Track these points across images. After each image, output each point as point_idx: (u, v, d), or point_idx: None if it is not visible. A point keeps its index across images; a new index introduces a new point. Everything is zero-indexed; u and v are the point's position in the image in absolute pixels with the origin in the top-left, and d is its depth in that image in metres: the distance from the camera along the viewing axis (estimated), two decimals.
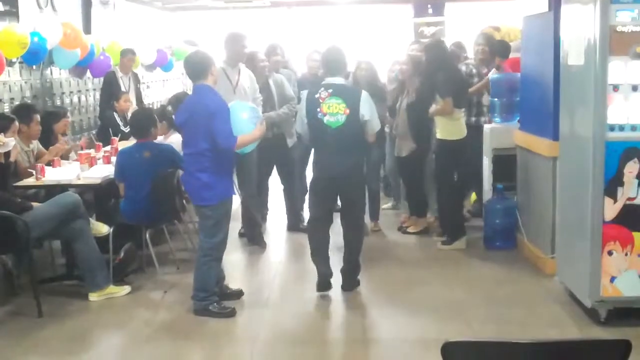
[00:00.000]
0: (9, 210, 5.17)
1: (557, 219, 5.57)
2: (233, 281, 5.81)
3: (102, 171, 6.26)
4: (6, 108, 7.40)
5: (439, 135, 6.65)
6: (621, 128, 4.58)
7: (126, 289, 5.70)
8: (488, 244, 6.70)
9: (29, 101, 7.78)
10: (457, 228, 6.77)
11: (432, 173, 7.47)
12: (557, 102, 5.39)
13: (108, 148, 7.19)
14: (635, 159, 4.58)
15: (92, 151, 6.96)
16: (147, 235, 5.92)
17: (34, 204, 5.50)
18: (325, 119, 5.31)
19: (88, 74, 9.50)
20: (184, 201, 6.54)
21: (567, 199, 5.23)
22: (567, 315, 4.99)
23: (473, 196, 7.85)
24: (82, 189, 6.13)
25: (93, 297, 5.51)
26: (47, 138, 6.94)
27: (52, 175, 6.11)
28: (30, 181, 6.02)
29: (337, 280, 5.64)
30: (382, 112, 7.10)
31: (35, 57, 7.60)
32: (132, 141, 6.47)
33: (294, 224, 7.48)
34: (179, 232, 6.81)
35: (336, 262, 5.72)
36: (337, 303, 5.48)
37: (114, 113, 8.51)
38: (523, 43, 6.67)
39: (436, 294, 5.61)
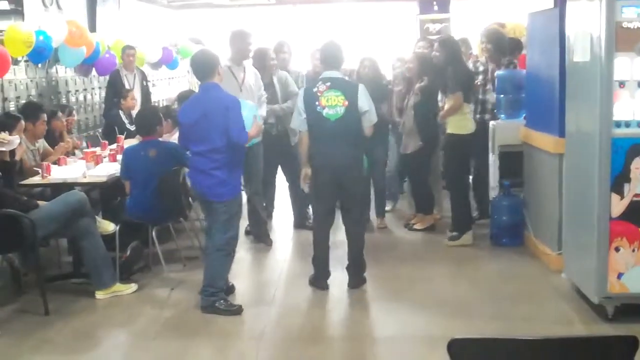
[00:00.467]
0: (15, 208, 5.18)
1: (563, 215, 5.56)
2: (239, 279, 5.83)
3: (108, 169, 6.27)
4: (12, 107, 7.42)
5: (449, 130, 6.66)
6: (627, 124, 4.56)
7: (132, 287, 5.70)
8: (495, 241, 6.69)
9: (35, 100, 7.80)
10: (464, 222, 6.77)
11: (438, 170, 7.49)
12: (562, 98, 5.38)
13: (114, 146, 7.20)
14: None
15: (97, 149, 6.97)
16: (154, 233, 5.92)
17: (40, 202, 5.51)
18: (325, 112, 5.35)
19: (93, 72, 9.53)
20: (190, 199, 6.54)
21: (574, 195, 5.22)
22: (574, 311, 4.98)
23: None
24: (88, 187, 6.14)
25: (99, 295, 5.52)
26: (51, 135, 6.95)
27: (58, 173, 6.13)
28: (36, 179, 6.03)
29: (343, 277, 5.64)
30: (385, 109, 7.11)
31: (41, 55, 7.62)
32: (138, 139, 6.47)
33: (300, 222, 7.48)
34: (185, 230, 6.82)
35: (341, 260, 5.72)
36: (343, 300, 5.49)
37: (120, 111, 8.51)
38: (528, 40, 6.65)
39: (442, 290, 5.61)
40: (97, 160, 6.47)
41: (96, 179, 6.08)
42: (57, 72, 8.75)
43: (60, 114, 7.36)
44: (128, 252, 6.00)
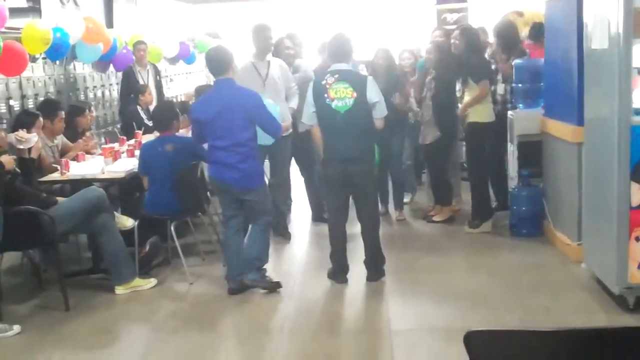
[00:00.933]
0: (35, 205, 5.22)
1: (583, 205, 5.50)
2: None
3: (126, 165, 6.29)
4: (30, 104, 7.46)
5: (471, 119, 6.65)
6: None
7: (152, 281, 5.73)
8: (514, 231, 6.65)
9: (53, 97, 7.84)
10: (484, 210, 6.75)
11: (456, 161, 7.46)
12: (581, 87, 5.32)
13: (132, 142, 7.22)
14: None
15: (116, 145, 6.99)
16: (172, 228, 5.95)
17: (59, 198, 5.55)
18: (334, 104, 5.33)
19: (111, 68, 9.56)
20: (208, 193, 6.56)
21: (593, 184, 5.17)
22: (594, 302, 4.94)
23: None
24: (106, 183, 6.17)
25: (119, 290, 5.55)
26: (70, 132, 6.98)
27: (77, 169, 6.16)
28: (55, 176, 6.07)
29: (362, 270, 5.63)
30: (398, 100, 7.08)
31: (58, 52, 7.66)
32: (156, 134, 6.49)
33: (317, 215, 7.47)
34: (204, 224, 6.83)
35: (360, 252, 5.71)
36: (362, 293, 5.48)
37: (138, 106, 8.53)
38: (546, 28, 6.59)
39: (462, 282, 5.58)
40: (116, 156, 6.50)
41: (114, 175, 6.11)
42: (74, 68, 8.79)
43: (87, 111, 7.37)
44: (147, 247, 6.03)
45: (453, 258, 6.19)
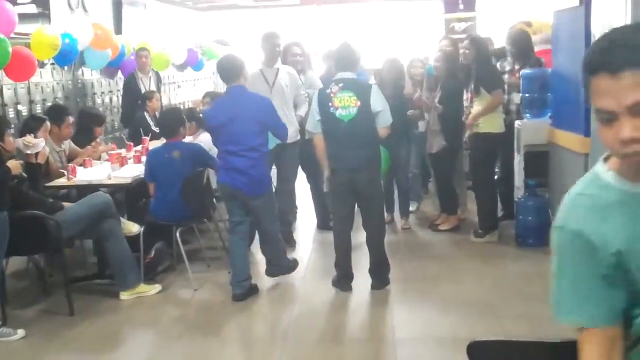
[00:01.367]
0: (41, 210, 5.23)
1: None
2: (263, 279, 5.84)
3: (132, 171, 6.30)
4: (38, 109, 7.50)
5: (481, 129, 6.62)
6: None
7: (157, 287, 5.74)
8: (520, 241, 6.63)
9: (61, 102, 7.87)
10: (490, 221, 6.74)
11: (462, 170, 7.45)
12: (588, 97, 5.29)
13: (139, 148, 7.23)
14: None
15: (123, 151, 7.01)
16: (178, 234, 5.95)
17: (66, 204, 5.55)
18: (338, 113, 5.34)
19: (119, 74, 9.59)
20: (214, 199, 6.57)
21: None
22: None
23: None
24: (113, 188, 6.17)
25: (124, 295, 5.56)
26: (87, 139, 6.98)
27: (84, 175, 6.17)
28: (61, 181, 6.08)
29: (366, 278, 5.62)
30: (406, 110, 7.08)
31: (67, 58, 7.69)
32: (163, 141, 6.50)
33: (323, 222, 7.46)
34: (209, 231, 6.84)
35: (365, 260, 5.70)
36: (366, 301, 5.47)
37: (145, 113, 8.54)
38: (554, 38, 6.58)
39: (468, 291, 5.56)
40: (122, 162, 6.51)
41: (121, 181, 6.11)
42: (83, 74, 8.83)
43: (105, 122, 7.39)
44: (152, 253, 6.04)
45: (459, 267, 6.17)
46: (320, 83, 7.08)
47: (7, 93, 7.17)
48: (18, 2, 7.45)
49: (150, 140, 7.65)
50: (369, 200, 5.52)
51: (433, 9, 14.87)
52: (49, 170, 6.15)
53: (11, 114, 7.13)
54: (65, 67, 8.19)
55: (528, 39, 7.27)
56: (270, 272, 5.86)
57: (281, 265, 5.85)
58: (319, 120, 5.45)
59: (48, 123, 6.17)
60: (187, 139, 6.59)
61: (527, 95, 6.79)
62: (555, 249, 1.77)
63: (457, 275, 5.97)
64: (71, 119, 6.70)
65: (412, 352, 4.55)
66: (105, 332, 5.01)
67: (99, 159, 6.96)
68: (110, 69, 9.27)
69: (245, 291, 5.50)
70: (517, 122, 6.88)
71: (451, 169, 7.20)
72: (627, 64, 1.52)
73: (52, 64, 7.87)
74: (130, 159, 6.74)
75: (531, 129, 6.70)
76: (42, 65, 7.53)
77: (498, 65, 7.36)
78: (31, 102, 7.51)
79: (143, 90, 8.90)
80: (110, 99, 9.58)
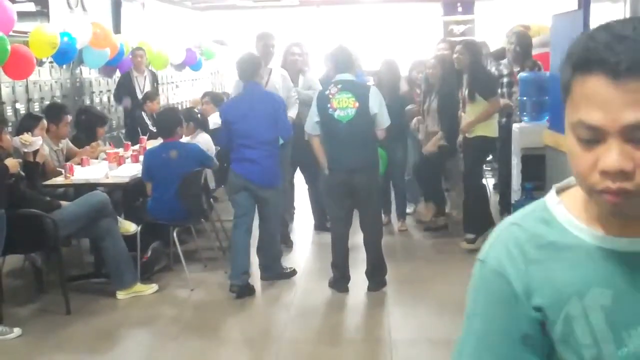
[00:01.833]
0: (38, 208, 5.23)
1: None
2: (258, 280, 5.84)
3: (130, 170, 6.30)
4: (36, 107, 7.49)
5: (477, 132, 6.60)
6: None
7: (153, 287, 5.73)
8: None
9: (59, 101, 7.87)
10: (483, 224, 6.73)
11: (459, 171, 7.45)
12: None
13: (136, 147, 7.23)
14: None
15: (120, 150, 7.01)
16: (175, 234, 5.95)
17: (63, 202, 5.55)
18: (336, 114, 5.37)
19: (117, 73, 9.59)
20: (211, 200, 6.57)
21: None
22: None
23: None
24: (110, 187, 6.18)
25: (120, 295, 5.56)
26: (88, 139, 6.98)
27: (81, 174, 6.16)
28: (59, 180, 6.08)
29: (363, 279, 5.63)
30: (403, 112, 7.10)
31: (65, 56, 7.70)
32: (160, 141, 6.51)
33: (320, 223, 7.46)
34: (206, 231, 6.84)
35: (362, 262, 5.70)
36: (363, 303, 5.48)
37: (143, 112, 8.55)
38: (552, 42, 6.59)
39: (463, 293, 5.52)
40: (120, 161, 6.50)
41: (118, 180, 6.11)
42: (81, 73, 8.83)
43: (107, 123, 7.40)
44: (149, 253, 6.03)
45: (455, 269, 6.16)
46: (319, 84, 7.09)
47: (5, 91, 7.17)
48: (17, 0, 7.45)
49: (148, 139, 7.65)
50: (366, 201, 5.53)
51: (432, 11, 14.89)
52: (46, 168, 6.14)
53: (9, 112, 7.13)
54: (64, 66, 8.19)
55: (531, 41, 7.30)
56: (264, 277, 5.93)
57: (275, 270, 5.93)
58: (317, 122, 5.46)
59: (45, 121, 6.16)
60: (185, 139, 6.59)
61: (524, 98, 6.80)
62: (471, 286, 1.36)
63: (453, 277, 5.95)
64: (69, 118, 6.69)
65: (408, 353, 4.56)
66: (102, 331, 5.01)
67: (96, 158, 6.96)
68: (108, 68, 9.27)
69: (243, 285, 5.51)
70: (514, 125, 6.88)
71: (440, 172, 7.26)
72: (636, 68, 1.04)
73: (50, 62, 7.87)
74: (127, 158, 6.74)
75: (529, 132, 6.70)
76: (40, 63, 7.53)
77: (494, 68, 7.37)
78: (29, 100, 7.51)
79: (137, 90, 8.90)
80: (109, 98, 9.58)
